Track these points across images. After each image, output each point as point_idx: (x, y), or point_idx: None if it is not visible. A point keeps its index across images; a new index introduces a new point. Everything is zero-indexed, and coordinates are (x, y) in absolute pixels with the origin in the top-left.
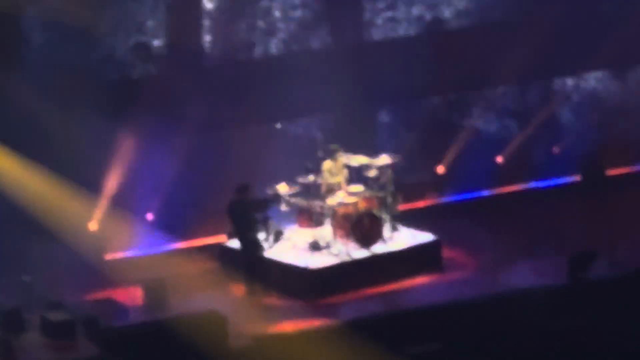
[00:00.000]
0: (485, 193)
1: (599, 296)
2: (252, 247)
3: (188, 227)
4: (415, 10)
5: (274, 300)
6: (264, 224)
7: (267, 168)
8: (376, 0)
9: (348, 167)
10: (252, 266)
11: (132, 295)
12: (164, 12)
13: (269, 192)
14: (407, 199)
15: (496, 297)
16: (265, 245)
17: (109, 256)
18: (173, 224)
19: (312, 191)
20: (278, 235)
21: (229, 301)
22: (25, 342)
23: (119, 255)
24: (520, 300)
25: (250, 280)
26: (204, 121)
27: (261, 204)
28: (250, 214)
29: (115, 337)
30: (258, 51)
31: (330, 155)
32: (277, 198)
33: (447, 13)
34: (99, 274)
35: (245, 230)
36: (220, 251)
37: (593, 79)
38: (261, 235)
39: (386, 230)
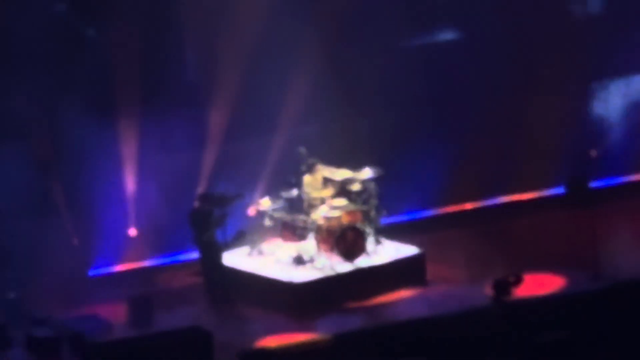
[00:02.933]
0: (470, 205)
1: (583, 309)
2: (209, 250)
3: (172, 243)
4: None
5: (258, 314)
6: (221, 221)
7: (251, 181)
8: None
9: (331, 180)
10: (211, 270)
11: (117, 311)
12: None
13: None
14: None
15: (480, 310)
16: (224, 247)
17: (93, 272)
18: (157, 239)
19: (295, 205)
20: (240, 236)
21: (214, 316)
22: (11, 359)
23: (104, 270)
24: (506, 314)
25: (211, 286)
26: (191, 136)
27: (222, 200)
28: (210, 220)
29: (100, 353)
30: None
31: (310, 169)
32: (240, 196)
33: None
34: (83, 290)
35: (203, 233)
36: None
37: None
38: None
39: (370, 244)
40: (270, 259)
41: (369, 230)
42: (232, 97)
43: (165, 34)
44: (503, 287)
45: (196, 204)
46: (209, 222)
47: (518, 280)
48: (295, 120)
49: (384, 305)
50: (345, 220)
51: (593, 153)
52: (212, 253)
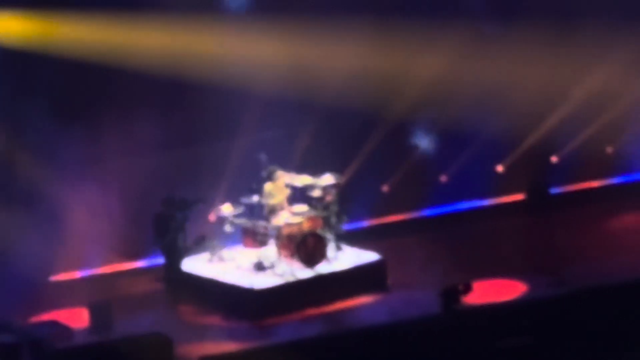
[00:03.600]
0: (431, 212)
1: (544, 315)
2: (170, 254)
3: (133, 248)
4: None
5: (219, 320)
6: (182, 225)
7: (212, 187)
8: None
9: (292, 187)
10: (170, 273)
11: (78, 317)
12: None
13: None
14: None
15: (441, 316)
16: (185, 250)
17: (54, 278)
18: (118, 245)
19: (257, 212)
20: (200, 241)
21: (175, 322)
22: None
23: (65, 276)
24: (466, 318)
25: (170, 288)
26: (153, 141)
27: (184, 204)
28: (172, 223)
29: (61, 359)
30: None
31: (270, 176)
32: (202, 200)
33: None
34: (44, 296)
35: (166, 237)
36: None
37: None
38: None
39: (331, 250)
40: (231, 265)
41: (329, 236)
42: (195, 101)
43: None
44: (452, 295)
45: (159, 208)
46: (171, 226)
47: (467, 289)
48: (257, 125)
49: (344, 311)
50: (306, 226)
51: (554, 159)
52: (173, 257)
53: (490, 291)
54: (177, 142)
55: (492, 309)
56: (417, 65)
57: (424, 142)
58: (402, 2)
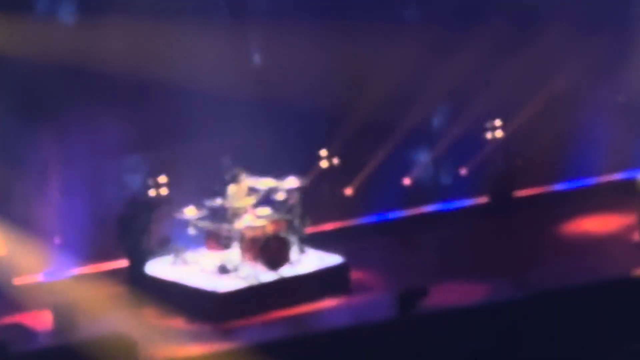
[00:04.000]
0: (394, 215)
1: (507, 318)
2: (133, 255)
3: (97, 251)
4: None
5: (182, 323)
6: (145, 227)
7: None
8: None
9: (255, 190)
10: (134, 275)
11: (42, 320)
12: None
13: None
14: (315, 221)
15: (404, 318)
16: (148, 252)
17: (17, 280)
18: (82, 247)
19: (220, 214)
20: (164, 243)
21: (139, 324)
22: None
23: (28, 279)
24: (429, 321)
25: (134, 291)
26: (118, 143)
27: (148, 206)
28: (135, 225)
29: None
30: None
31: (234, 179)
32: (166, 201)
33: None
34: (7, 298)
35: (129, 239)
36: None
37: None
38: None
39: (294, 253)
40: (195, 268)
41: (293, 239)
42: (161, 103)
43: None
44: (408, 299)
45: (122, 209)
46: (134, 228)
47: (423, 292)
48: (221, 128)
49: (308, 314)
50: (270, 229)
51: (517, 162)
52: (136, 260)
53: (453, 294)
54: (142, 144)
55: (454, 312)
56: (380, 67)
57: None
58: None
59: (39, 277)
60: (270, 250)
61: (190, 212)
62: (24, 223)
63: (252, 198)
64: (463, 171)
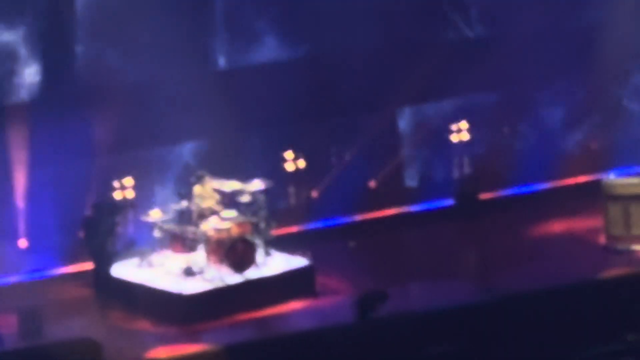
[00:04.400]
0: (360, 217)
1: (472, 321)
2: (98, 258)
3: (63, 253)
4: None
5: (148, 326)
6: (111, 230)
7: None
8: (247, 26)
9: (220, 192)
10: (99, 278)
11: (7, 323)
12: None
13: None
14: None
15: (369, 322)
16: (114, 255)
17: None
18: (47, 250)
19: (185, 217)
20: (129, 246)
21: (104, 328)
22: None
23: None
24: (393, 325)
25: (100, 293)
26: (84, 146)
27: (113, 208)
28: (101, 228)
29: None
30: (129, 77)
31: (199, 181)
32: (131, 205)
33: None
34: None
35: (95, 242)
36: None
37: None
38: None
39: (259, 255)
40: (160, 271)
41: (258, 241)
42: (126, 107)
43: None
44: (368, 303)
45: (88, 212)
46: (100, 230)
47: (383, 297)
48: (186, 132)
49: (273, 317)
50: (235, 232)
51: (483, 165)
52: (102, 262)
53: (418, 297)
54: (108, 147)
55: (419, 316)
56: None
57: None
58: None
59: (4, 280)
60: (235, 252)
61: (155, 214)
62: None
63: (217, 200)
64: (427, 174)
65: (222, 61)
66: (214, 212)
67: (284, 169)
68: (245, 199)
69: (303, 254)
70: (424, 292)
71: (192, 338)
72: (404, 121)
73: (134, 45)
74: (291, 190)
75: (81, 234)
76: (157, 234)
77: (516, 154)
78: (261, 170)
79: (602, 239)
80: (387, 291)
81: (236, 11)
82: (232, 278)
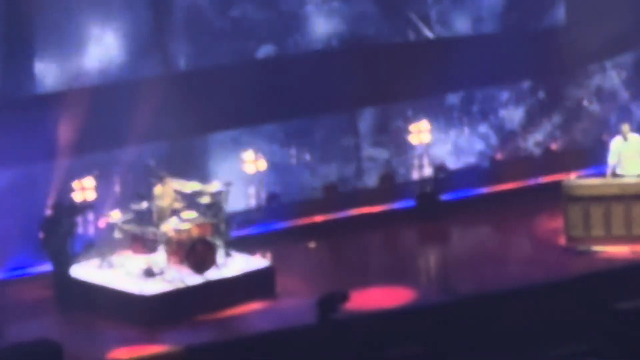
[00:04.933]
0: (320, 218)
1: (434, 322)
2: (58, 259)
3: (23, 255)
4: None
5: (108, 327)
6: (70, 231)
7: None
8: (209, 28)
9: (180, 193)
10: (59, 279)
11: None
12: None
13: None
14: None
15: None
16: (73, 256)
17: None
18: (7, 252)
19: (145, 218)
20: (88, 248)
21: (64, 329)
22: None
23: None
24: (353, 326)
25: (60, 295)
26: (44, 148)
27: (72, 210)
28: (60, 229)
29: None
30: (92, 79)
31: (160, 181)
32: (90, 206)
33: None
34: None
35: (54, 243)
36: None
37: None
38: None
39: (220, 256)
40: (121, 271)
41: (219, 242)
42: (83, 109)
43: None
44: (328, 304)
45: (47, 213)
46: (59, 231)
47: (344, 298)
48: (145, 134)
49: (233, 318)
50: (195, 232)
51: (443, 166)
52: (61, 263)
53: (379, 298)
54: (68, 148)
55: (381, 317)
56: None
57: None
58: None
59: None
60: (196, 253)
61: (115, 215)
62: None
63: (178, 202)
64: (390, 174)
65: (182, 63)
66: (174, 213)
67: (243, 170)
68: (205, 200)
69: (263, 255)
70: (385, 293)
71: (153, 339)
72: (364, 122)
73: (94, 46)
74: (251, 191)
75: (40, 235)
76: (117, 234)
77: (476, 155)
78: (221, 171)
79: (562, 240)
80: (348, 292)
81: (196, 12)
82: (192, 279)
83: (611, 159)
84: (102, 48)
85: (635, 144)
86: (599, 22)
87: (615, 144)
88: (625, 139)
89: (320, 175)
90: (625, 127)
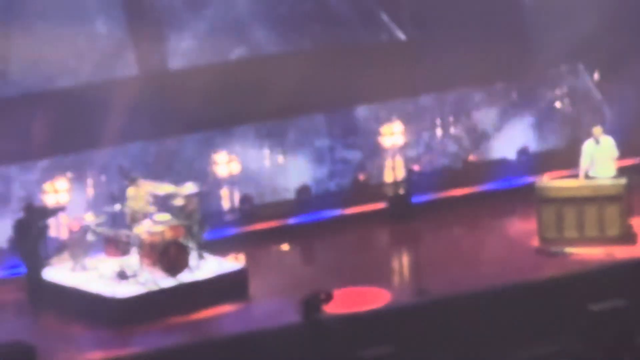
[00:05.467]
0: (294, 220)
1: (407, 323)
2: (30, 261)
3: None
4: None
5: (82, 329)
6: (42, 233)
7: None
8: (180, 29)
9: (154, 195)
10: (32, 282)
11: None
12: None
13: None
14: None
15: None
16: (46, 258)
17: None
18: None
19: (118, 220)
20: (61, 249)
21: (37, 331)
22: None
23: None
24: (328, 327)
25: (33, 297)
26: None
27: (44, 212)
28: (32, 231)
29: None
30: (64, 81)
31: (132, 183)
32: (62, 208)
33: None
34: None
35: (26, 245)
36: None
37: None
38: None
39: (193, 259)
40: (94, 274)
41: (191, 245)
42: (56, 110)
43: None
44: (312, 304)
45: (19, 215)
46: (31, 234)
47: (328, 298)
48: (119, 136)
49: (206, 320)
50: (168, 235)
51: (415, 168)
52: (34, 266)
53: (354, 300)
54: (41, 150)
55: (355, 318)
56: (278, 72)
57: None
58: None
59: None
60: (169, 256)
61: (88, 217)
62: None
63: (150, 203)
64: (361, 177)
65: (153, 65)
66: (147, 215)
67: (216, 172)
68: (178, 202)
69: (236, 257)
70: (358, 295)
71: (126, 341)
72: (337, 123)
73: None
74: (224, 193)
75: (12, 237)
76: (90, 237)
77: (449, 156)
78: (194, 174)
79: (535, 242)
80: (332, 292)
81: (167, 15)
82: (165, 281)
83: (583, 162)
84: (76, 49)
85: (607, 146)
86: (568, 23)
87: (588, 147)
88: (597, 142)
89: (294, 177)
90: (597, 130)
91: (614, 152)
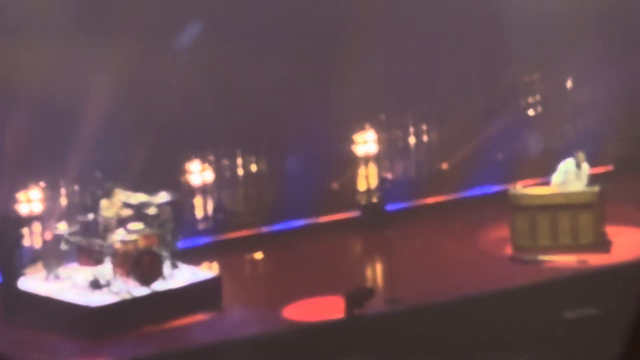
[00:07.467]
0: (267, 228)
1: (378, 333)
2: (5, 271)
3: None
4: None
5: (56, 338)
6: (17, 243)
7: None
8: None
9: (127, 204)
10: (6, 291)
11: None
12: None
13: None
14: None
15: (277, 334)
16: (20, 268)
17: None
18: None
19: (92, 229)
20: (35, 258)
21: (11, 340)
22: None
23: None
24: (301, 337)
25: (7, 307)
26: None
27: (18, 222)
28: (6, 240)
29: None
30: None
31: (107, 193)
32: (35, 216)
33: None
34: None
35: (1, 255)
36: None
37: None
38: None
39: (166, 267)
40: (67, 283)
41: (165, 254)
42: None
43: None
44: (355, 299)
45: None
46: (5, 243)
47: (370, 293)
48: (92, 145)
49: (180, 329)
50: (142, 244)
51: (388, 176)
52: (9, 274)
53: (325, 308)
54: (15, 160)
55: (325, 327)
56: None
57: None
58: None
59: None
60: (142, 265)
61: (62, 227)
62: None
63: (124, 212)
64: (334, 184)
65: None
66: (120, 224)
67: (190, 181)
68: (152, 211)
69: (209, 266)
70: (329, 303)
71: (99, 351)
72: (308, 132)
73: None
74: (197, 202)
75: None
76: (63, 246)
77: (421, 165)
78: (168, 182)
79: (508, 250)
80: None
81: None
82: (138, 290)
83: (557, 178)
84: (46, 56)
85: (584, 173)
86: (541, 31)
87: (566, 165)
88: (578, 166)
89: (268, 185)
90: (580, 155)
91: (586, 179)
